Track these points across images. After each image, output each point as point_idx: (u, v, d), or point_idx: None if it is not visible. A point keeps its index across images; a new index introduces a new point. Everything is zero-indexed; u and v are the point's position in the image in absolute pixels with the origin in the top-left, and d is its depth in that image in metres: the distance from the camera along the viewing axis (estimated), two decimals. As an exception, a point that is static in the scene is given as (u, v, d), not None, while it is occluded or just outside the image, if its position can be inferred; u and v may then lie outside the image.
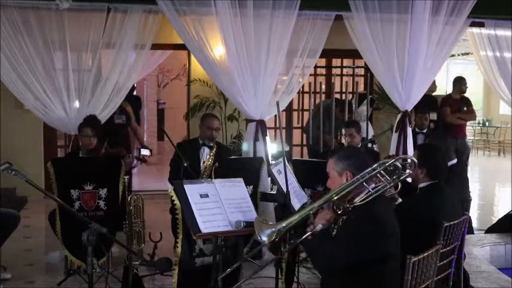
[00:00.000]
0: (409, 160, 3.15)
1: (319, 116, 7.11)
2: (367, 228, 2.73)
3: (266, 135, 5.70)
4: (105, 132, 5.42)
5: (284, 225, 2.84)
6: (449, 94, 8.31)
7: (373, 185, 2.88)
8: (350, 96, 7.92)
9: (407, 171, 3.03)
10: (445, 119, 7.97)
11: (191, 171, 5.05)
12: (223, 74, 5.54)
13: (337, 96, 8.09)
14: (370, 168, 2.86)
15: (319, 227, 2.78)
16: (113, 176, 4.88)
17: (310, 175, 5.02)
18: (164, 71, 14.09)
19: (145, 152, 5.80)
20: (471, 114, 8.16)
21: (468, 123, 8.87)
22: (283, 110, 7.27)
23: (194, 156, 5.37)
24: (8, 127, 7.76)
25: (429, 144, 4.95)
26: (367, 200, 2.82)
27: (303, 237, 2.83)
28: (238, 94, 5.54)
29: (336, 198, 2.84)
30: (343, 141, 5.79)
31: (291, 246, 3.05)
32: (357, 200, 2.83)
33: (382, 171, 2.89)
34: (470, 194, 7.86)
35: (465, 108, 8.02)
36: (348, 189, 2.85)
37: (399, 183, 2.97)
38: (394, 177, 2.92)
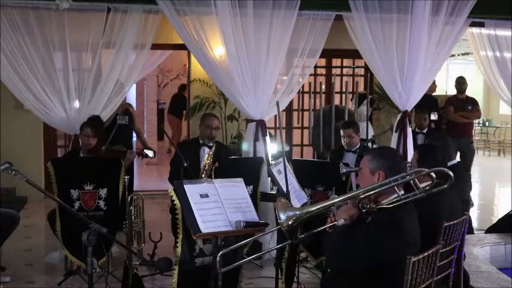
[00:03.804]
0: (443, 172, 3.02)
1: (320, 123, 7.16)
2: (389, 234, 2.67)
3: (266, 135, 5.69)
4: (106, 132, 5.41)
5: (306, 211, 2.81)
6: (455, 94, 8.38)
7: (403, 191, 2.81)
8: (350, 96, 7.92)
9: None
10: (447, 117, 8.01)
11: (191, 171, 5.05)
12: (223, 74, 5.54)
13: (337, 96, 8.09)
14: (404, 174, 2.79)
15: (340, 221, 2.73)
16: (113, 176, 4.88)
17: (310, 175, 5.02)
18: (164, 71, 14.12)
19: (148, 153, 5.79)
20: (475, 112, 8.18)
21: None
22: (283, 110, 7.27)
23: (194, 156, 5.37)
24: (8, 127, 7.76)
25: (428, 144, 4.95)
26: (394, 205, 2.75)
27: (321, 228, 2.80)
28: (238, 94, 5.53)
29: (362, 196, 2.78)
30: (342, 142, 5.78)
31: (307, 234, 2.98)
32: (385, 203, 2.77)
33: (416, 180, 2.80)
34: (471, 196, 7.85)
35: (470, 108, 8.05)
36: (377, 190, 2.78)
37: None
38: (427, 187, 2.83)
